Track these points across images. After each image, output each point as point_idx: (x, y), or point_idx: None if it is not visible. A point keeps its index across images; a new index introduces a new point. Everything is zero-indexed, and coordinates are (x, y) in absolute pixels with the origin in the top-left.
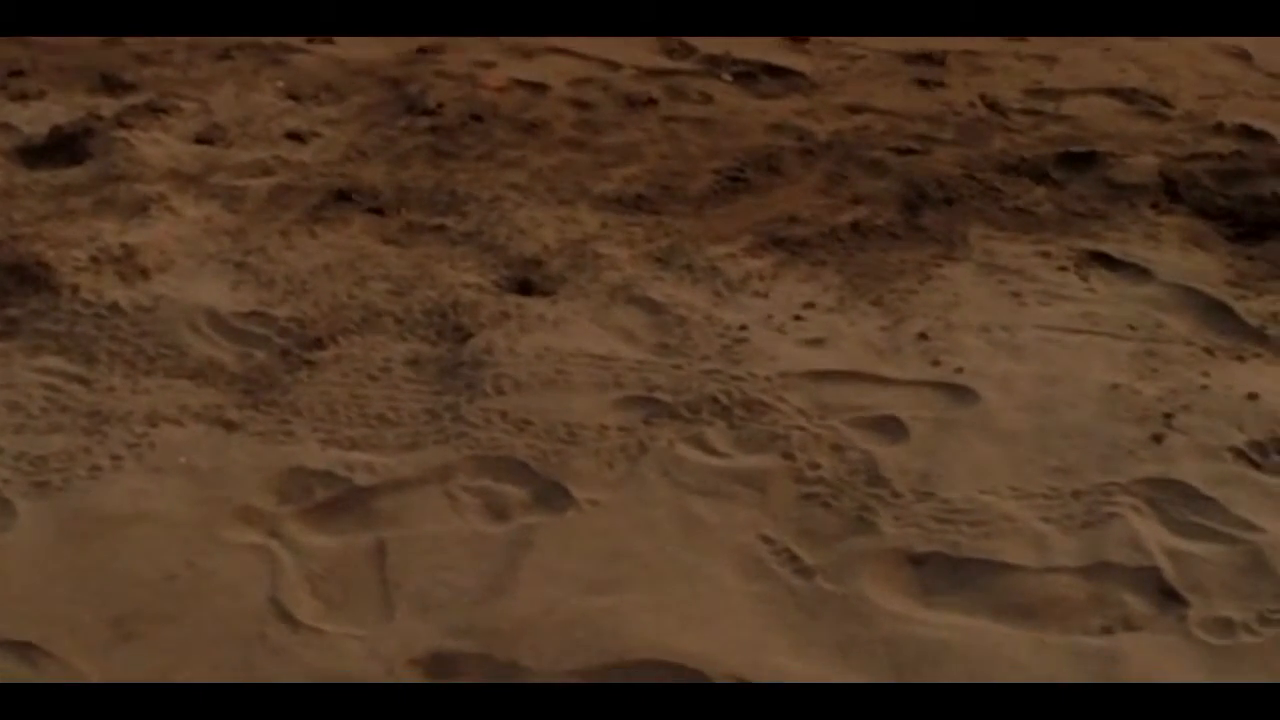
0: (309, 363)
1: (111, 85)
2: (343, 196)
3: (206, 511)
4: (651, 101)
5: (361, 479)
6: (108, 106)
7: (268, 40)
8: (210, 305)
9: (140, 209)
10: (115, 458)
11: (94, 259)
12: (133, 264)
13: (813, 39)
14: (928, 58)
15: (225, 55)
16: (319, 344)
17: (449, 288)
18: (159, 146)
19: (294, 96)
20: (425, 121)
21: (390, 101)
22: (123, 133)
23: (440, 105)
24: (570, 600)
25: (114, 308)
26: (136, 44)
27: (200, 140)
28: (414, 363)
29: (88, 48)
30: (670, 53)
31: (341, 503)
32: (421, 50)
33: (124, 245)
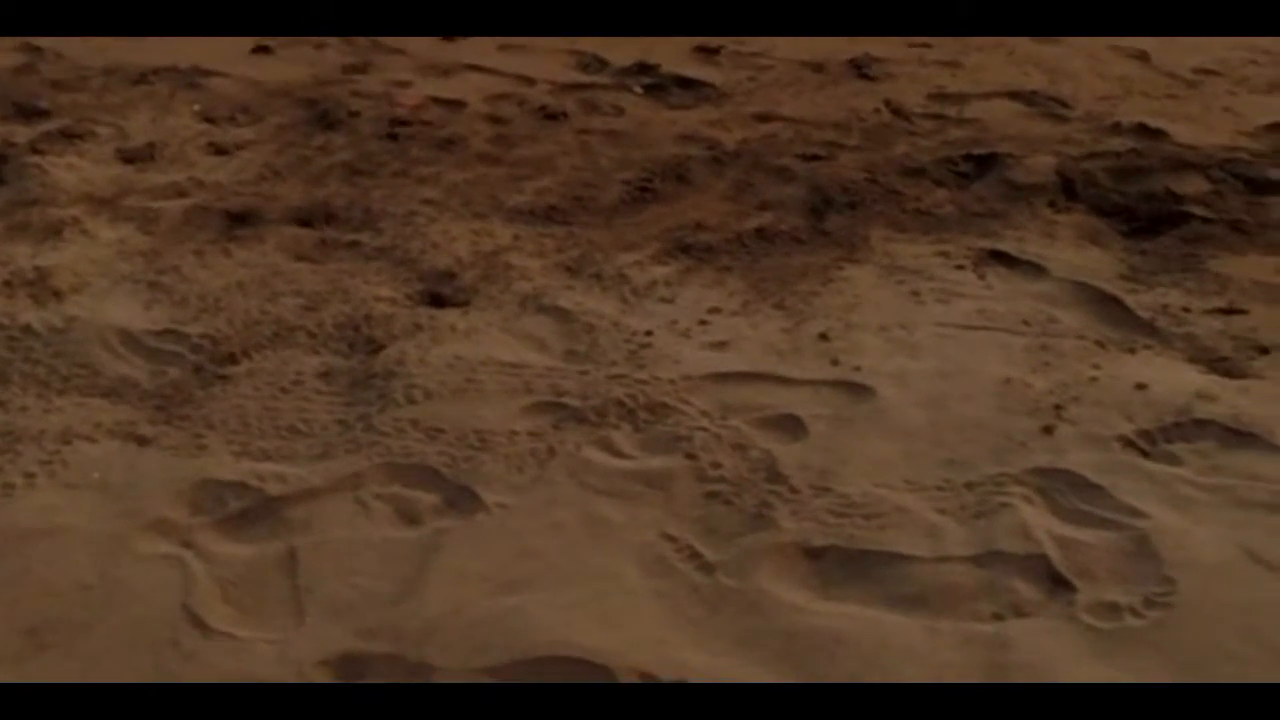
0: (222, 378)
1: (26, 112)
2: (257, 215)
3: (119, 524)
4: (565, 115)
5: (273, 489)
6: (22, 133)
7: (184, 64)
8: (123, 324)
9: (54, 232)
10: (28, 475)
11: (7, 283)
12: (46, 286)
13: (724, 49)
14: (837, 65)
15: (141, 80)
16: (232, 359)
17: (362, 301)
18: (73, 171)
19: (210, 119)
20: (341, 140)
21: (306, 121)
22: (36, 158)
23: (356, 123)
24: (479, 600)
25: (27, 329)
26: (51, 70)
27: (115, 164)
28: (326, 375)
29: (2, 74)
30: (584, 67)
31: (253, 512)
32: (348, 68)
33: (37, 268)
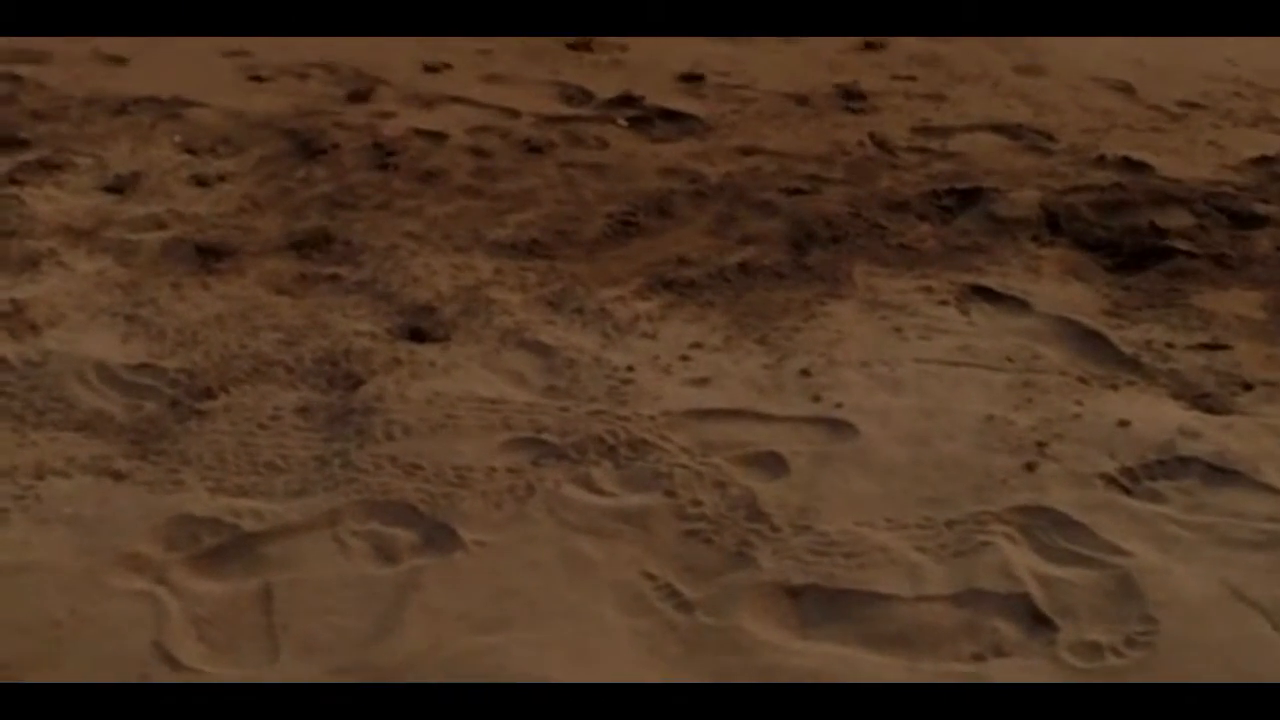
0: (198, 412)
1: (5, 142)
2: (237, 248)
3: (92, 560)
4: (548, 148)
5: (249, 525)
6: (1, 164)
7: (165, 94)
8: (100, 358)
9: (31, 265)
10: (1, 510)
11: None
12: (22, 319)
13: (708, 79)
14: (822, 97)
15: (122, 110)
16: (209, 394)
17: (341, 336)
18: (51, 203)
19: (191, 150)
20: (323, 172)
21: (288, 153)
22: (14, 189)
23: (338, 155)
24: (456, 639)
25: (2, 363)
26: (32, 100)
27: (94, 195)
28: (304, 411)
29: None
30: (568, 99)
31: (229, 549)
32: (355, 95)
33: (13, 301)
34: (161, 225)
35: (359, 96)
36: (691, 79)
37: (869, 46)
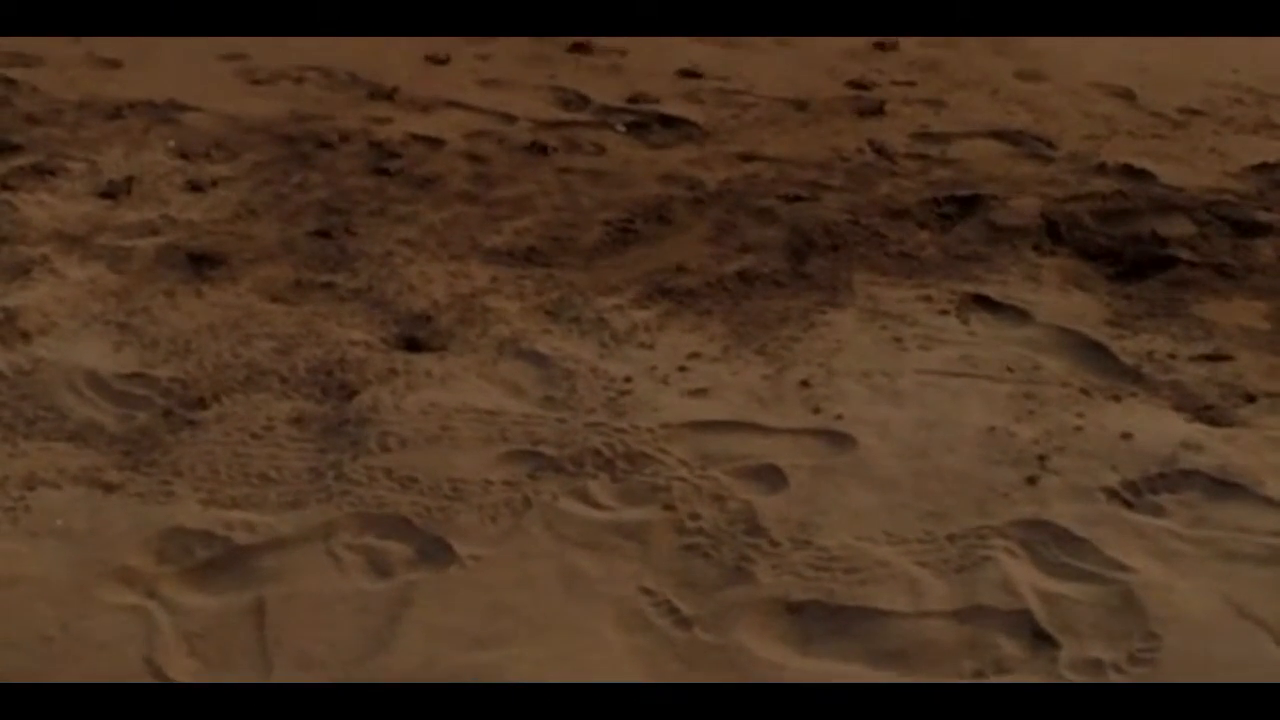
0: (191, 423)
1: None
2: (231, 255)
3: (83, 573)
4: (546, 154)
5: (241, 538)
6: None
7: (159, 99)
8: (91, 367)
9: (22, 271)
10: None
11: None
12: (13, 327)
13: (707, 85)
14: (821, 103)
15: (116, 114)
16: (201, 404)
17: (336, 345)
18: (44, 208)
19: (185, 155)
20: (318, 178)
21: (284, 158)
22: (7, 195)
23: (334, 160)
24: (451, 655)
25: None
26: (25, 104)
27: (87, 200)
28: (298, 421)
29: None
30: (566, 104)
31: (221, 562)
32: (352, 99)
33: (4, 309)
34: (155, 231)
35: (355, 101)
36: (689, 84)
37: (869, 49)
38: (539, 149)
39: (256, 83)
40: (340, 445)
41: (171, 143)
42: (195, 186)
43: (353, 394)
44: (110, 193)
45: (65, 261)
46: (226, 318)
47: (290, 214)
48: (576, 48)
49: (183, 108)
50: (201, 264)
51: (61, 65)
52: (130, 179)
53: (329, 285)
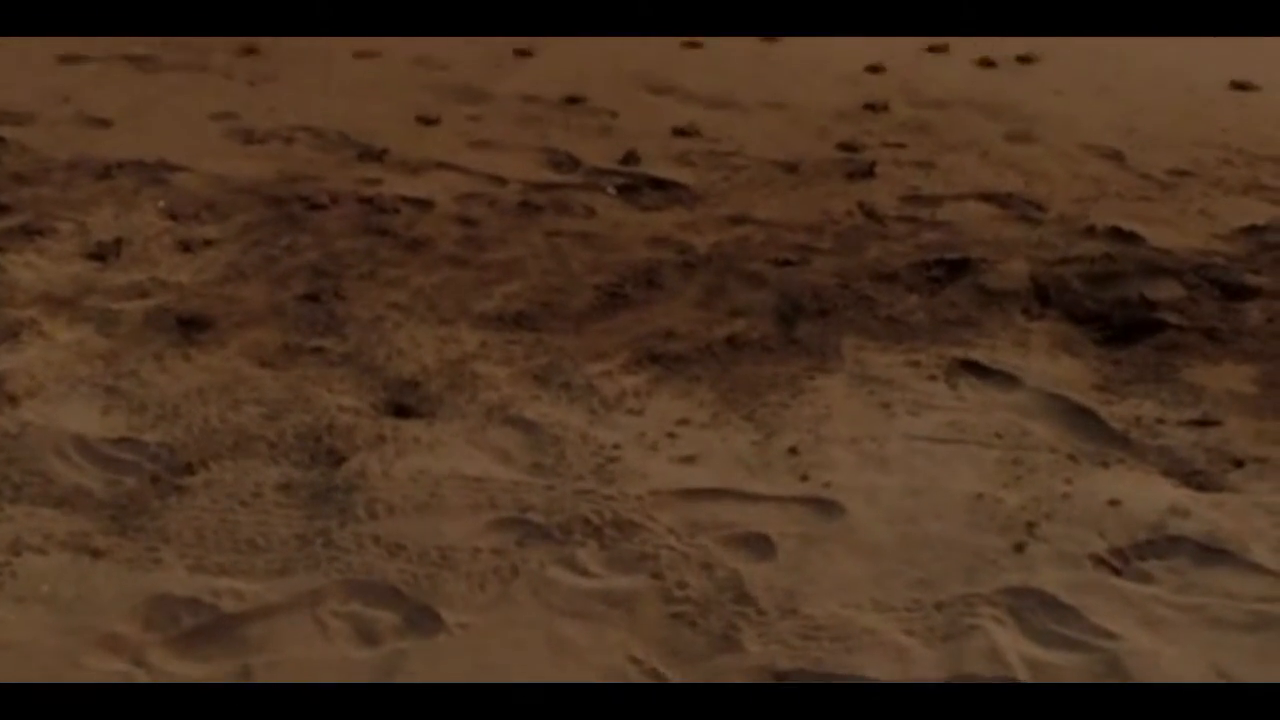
0: (178, 488)
1: None
2: (220, 318)
3: (69, 640)
4: (536, 216)
5: (229, 606)
6: None
7: (149, 159)
8: (79, 431)
9: (10, 334)
10: None
11: None
12: (0, 391)
13: (699, 146)
14: (811, 165)
15: (105, 174)
16: (189, 469)
17: (324, 410)
18: (32, 270)
19: (174, 216)
20: (308, 240)
21: (273, 220)
22: None
23: (324, 222)
24: None
25: None
26: (14, 163)
27: (76, 262)
28: (286, 487)
29: None
30: (557, 165)
31: (208, 630)
32: (342, 161)
33: None
34: (144, 294)
35: (346, 162)
36: (681, 144)
37: (860, 110)
38: (530, 209)
39: (247, 143)
40: (328, 512)
41: (161, 203)
42: (185, 248)
43: (341, 460)
44: (99, 254)
45: (53, 324)
46: (215, 382)
47: (279, 277)
48: (569, 101)
49: (173, 168)
50: (190, 327)
51: (51, 124)
52: (119, 240)
53: (318, 350)
